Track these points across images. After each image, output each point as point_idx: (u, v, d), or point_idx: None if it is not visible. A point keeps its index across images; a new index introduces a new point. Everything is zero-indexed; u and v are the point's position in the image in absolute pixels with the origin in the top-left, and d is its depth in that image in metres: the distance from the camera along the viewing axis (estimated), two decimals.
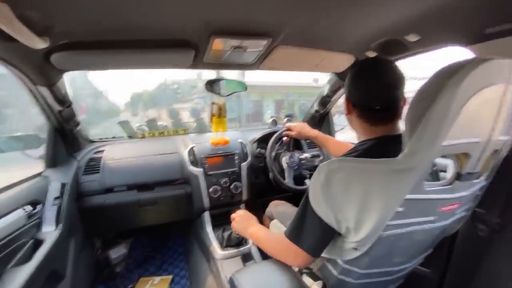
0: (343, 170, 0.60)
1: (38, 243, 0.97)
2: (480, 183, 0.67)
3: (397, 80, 0.66)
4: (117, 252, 1.62)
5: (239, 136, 1.67)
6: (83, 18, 0.65)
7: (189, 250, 1.67)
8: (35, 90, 0.98)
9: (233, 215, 1.03)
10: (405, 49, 0.97)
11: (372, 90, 0.67)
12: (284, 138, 1.52)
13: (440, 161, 0.79)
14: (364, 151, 0.66)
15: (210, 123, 1.46)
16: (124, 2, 0.60)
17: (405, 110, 0.63)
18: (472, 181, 0.64)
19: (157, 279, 1.51)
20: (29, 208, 1.00)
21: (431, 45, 0.94)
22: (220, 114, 1.42)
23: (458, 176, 0.62)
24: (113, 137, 1.70)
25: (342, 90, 1.51)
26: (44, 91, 0.99)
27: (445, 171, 0.88)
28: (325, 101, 1.67)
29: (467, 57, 0.50)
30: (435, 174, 0.78)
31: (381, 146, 0.66)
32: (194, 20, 0.73)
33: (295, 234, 0.69)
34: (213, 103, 1.37)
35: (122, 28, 0.73)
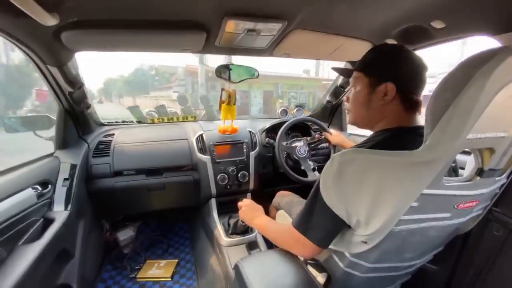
0: (357, 161, 0.58)
1: (48, 222, 0.99)
2: (501, 180, 0.64)
3: None
4: (125, 235, 1.66)
5: (248, 124, 1.65)
6: None
7: (195, 236, 1.69)
8: (46, 70, 0.98)
9: (239, 203, 1.02)
10: (428, 37, 0.92)
11: (421, 74, 0.66)
12: (317, 135, 1.52)
13: (457, 156, 0.75)
14: (381, 142, 0.63)
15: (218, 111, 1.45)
16: None
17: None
18: (494, 178, 0.60)
19: (163, 262, 1.54)
20: (39, 187, 1.02)
21: (455, 34, 0.88)
22: (229, 101, 1.40)
23: (480, 172, 0.59)
24: (123, 121, 1.71)
25: None
26: (55, 71, 0.99)
27: (463, 168, 0.84)
28: (338, 91, 1.62)
29: (495, 46, 0.46)
30: (451, 169, 0.75)
31: (399, 138, 0.64)
32: None
33: (303, 224, 0.68)
34: (222, 90, 1.35)
35: (132, 7, 0.71)
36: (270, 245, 1.23)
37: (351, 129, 1.85)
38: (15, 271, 0.76)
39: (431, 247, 0.73)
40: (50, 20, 0.63)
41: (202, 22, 0.83)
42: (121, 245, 1.63)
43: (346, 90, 1.57)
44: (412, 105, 0.66)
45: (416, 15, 0.82)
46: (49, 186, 1.08)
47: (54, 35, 0.79)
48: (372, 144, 0.63)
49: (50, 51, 0.89)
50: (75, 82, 1.09)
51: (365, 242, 0.61)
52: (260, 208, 0.98)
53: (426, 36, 0.92)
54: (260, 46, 1.03)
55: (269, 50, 1.09)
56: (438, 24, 0.83)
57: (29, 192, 0.94)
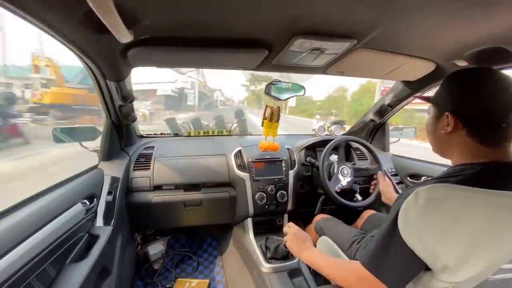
0: (452, 198, 0.51)
1: (93, 238, 0.97)
2: None
3: None
4: (155, 249, 1.63)
5: (286, 141, 1.60)
6: (169, 14, 0.62)
7: (226, 256, 1.63)
8: (104, 85, 0.98)
9: (285, 229, 0.96)
10: (508, 59, 0.83)
11: (502, 103, 0.55)
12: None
13: None
14: (469, 177, 0.54)
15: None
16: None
17: None
18: None
19: (194, 281, 1.48)
20: (87, 202, 1.00)
21: None
22: (272, 118, 1.35)
23: None
24: (161, 134, 1.71)
25: (407, 100, 1.38)
26: (112, 85, 0.99)
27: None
28: (384, 110, 1.54)
29: None
30: None
31: (492, 174, 0.55)
32: (279, 18, 0.66)
33: (375, 263, 0.60)
34: (267, 106, 1.31)
35: (203, 25, 0.69)
36: (315, 273, 1.14)
37: (394, 150, 1.76)
38: None
39: None
40: (126, 37, 0.62)
41: (268, 40, 0.79)
42: (151, 260, 1.59)
43: (393, 109, 1.49)
44: (488, 138, 0.56)
45: (502, 37, 0.74)
46: (94, 200, 1.07)
47: (121, 52, 0.78)
48: (460, 179, 0.55)
49: (113, 67, 0.89)
50: (128, 97, 1.09)
51: None
52: (308, 238, 0.90)
53: (508, 59, 0.83)
54: (317, 64, 0.99)
55: (324, 68, 1.05)
56: None
57: (79, 207, 0.92)
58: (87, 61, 0.82)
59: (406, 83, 1.28)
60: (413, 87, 1.27)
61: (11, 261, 0.60)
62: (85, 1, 0.44)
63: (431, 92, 1.28)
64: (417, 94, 1.29)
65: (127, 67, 0.94)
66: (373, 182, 1.37)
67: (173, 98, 23.54)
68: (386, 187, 1.22)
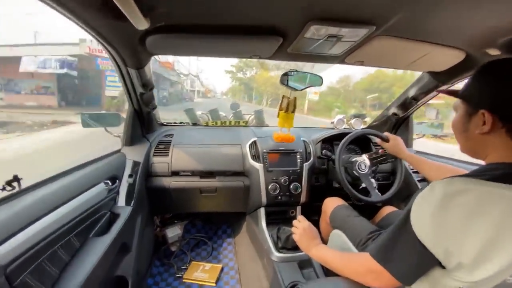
0: (469, 193, 0.48)
1: (114, 217, 1.04)
2: None
3: None
4: (172, 232, 1.71)
5: (302, 133, 1.58)
6: (183, 0, 0.63)
7: (240, 243, 1.67)
8: (125, 72, 1.04)
9: (295, 222, 0.96)
10: None
11: None
12: (381, 150, 1.36)
13: None
14: (497, 176, 0.50)
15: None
16: None
17: None
18: None
19: (208, 265, 1.54)
20: (109, 182, 1.08)
21: None
22: (287, 108, 1.34)
23: None
24: (181, 122, 1.77)
25: (433, 93, 1.29)
26: (133, 73, 1.04)
27: None
28: (408, 103, 1.45)
29: None
30: None
31: None
32: (293, 3, 0.65)
33: (383, 254, 0.59)
34: (283, 97, 1.30)
35: (217, 11, 0.70)
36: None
37: (417, 146, 1.67)
38: (88, 261, 0.80)
39: None
40: (142, 24, 0.65)
41: (282, 27, 0.79)
42: (169, 242, 1.68)
43: (419, 102, 1.40)
44: None
45: None
46: (116, 181, 1.14)
47: (140, 39, 0.82)
48: (489, 177, 0.50)
49: (133, 54, 0.93)
50: (148, 84, 1.14)
51: None
52: (317, 235, 0.91)
53: None
54: (334, 53, 0.96)
55: (342, 57, 1.02)
56: None
57: (102, 186, 1.00)
58: (109, 49, 0.87)
59: (433, 74, 1.20)
60: (441, 79, 1.19)
61: (38, 229, 0.66)
62: None
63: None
64: (442, 88, 1.21)
65: (146, 55, 0.98)
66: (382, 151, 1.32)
67: (73, 84, 10.80)
68: (394, 148, 1.20)
